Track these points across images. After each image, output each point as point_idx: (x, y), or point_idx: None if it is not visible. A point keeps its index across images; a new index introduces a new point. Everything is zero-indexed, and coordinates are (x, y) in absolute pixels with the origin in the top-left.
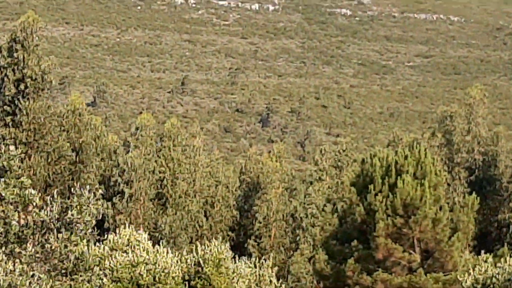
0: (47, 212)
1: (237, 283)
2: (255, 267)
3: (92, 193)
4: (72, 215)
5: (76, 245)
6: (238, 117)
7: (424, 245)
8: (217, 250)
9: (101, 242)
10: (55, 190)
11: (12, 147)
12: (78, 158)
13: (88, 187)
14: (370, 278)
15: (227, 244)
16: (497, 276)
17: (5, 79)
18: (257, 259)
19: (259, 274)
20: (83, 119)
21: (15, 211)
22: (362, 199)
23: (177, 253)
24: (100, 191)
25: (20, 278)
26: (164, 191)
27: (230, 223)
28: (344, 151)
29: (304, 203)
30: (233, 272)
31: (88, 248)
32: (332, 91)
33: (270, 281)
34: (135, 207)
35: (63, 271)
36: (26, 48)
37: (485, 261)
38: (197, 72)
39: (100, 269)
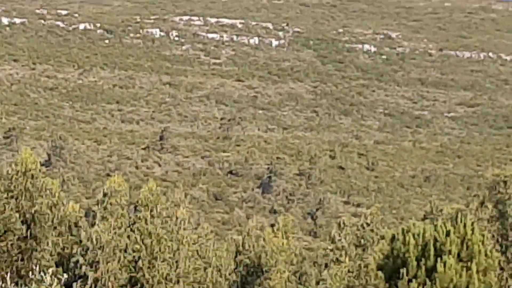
0: None
1: None
2: None
3: (55, 279)
4: None
5: None
6: (232, 181)
7: None
8: None
9: None
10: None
11: None
12: (30, 232)
13: (49, 270)
14: None
15: None
16: None
17: None
18: None
19: None
20: (36, 183)
21: None
22: (392, 286)
23: None
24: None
25: None
26: (139, 275)
27: None
28: (368, 225)
29: None
30: None
31: None
32: (352, 149)
33: None
34: None
35: None
36: None
37: None
38: (180, 124)
39: None
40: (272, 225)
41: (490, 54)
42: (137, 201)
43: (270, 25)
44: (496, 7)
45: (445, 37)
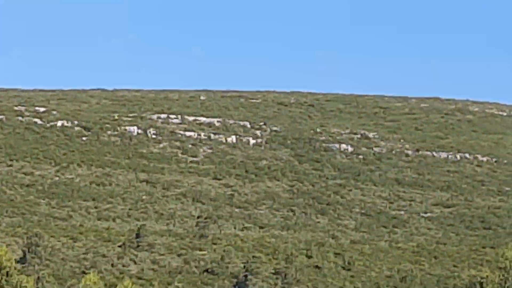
0: None
1: None
2: None
3: None
4: None
5: None
6: (208, 280)
7: None
8: None
9: None
10: None
11: None
12: None
13: None
14: None
15: None
16: None
17: None
18: None
19: None
20: (10, 280)
21: None
22: None
23: None
24: None
25: None
26: None
27: None
28: None
29: None
30: None
31: None
32: (328, 248)
33: None
34: None
35: None
36: None
37: None
38: (156, 221)
39: None
40: None
41: (467, 155)
42: None
43: (247, 124)
44: (473, 109)
45: (422, 137)
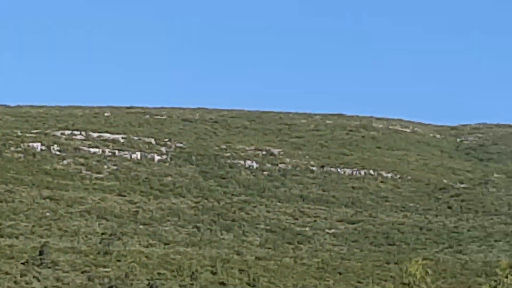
0: None
1: None
2: None
3: None
4: None
5: None
6: None
7: None
8: None
9: None
10: None
11: None
12: None
13: None
14: None
15: None
16: None
17: None
18: None
19: None
20: None
21: None
22: None
23: None
24: None
25: None
26: None
27: None
28: None
29: None
30: None
31: None
32: (233, 264)
33: None
34: None
35: None
36: None
37: None
38: (60, 238)
39: None
40: None
41: (371, 171)
42: None
43: (152, 140)
44: (377, 125)
45: (327, 154)
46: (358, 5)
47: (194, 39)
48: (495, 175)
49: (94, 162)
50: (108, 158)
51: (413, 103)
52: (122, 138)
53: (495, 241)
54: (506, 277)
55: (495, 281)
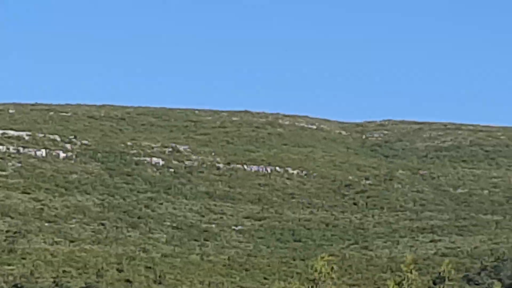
0: None
1: None
2: None
3: None
4: None
5: None
6: None
7: None
8: None
9: None
10: None
11: None
12: None
13: None
14: None
15: None
16: None
17: None
18: None
19: None
20: None
21: None
22: None
23: None
24: None
25: None
26: None
27: None
28: None
29: None
30: None
31: None
32: (139, 262)
33: None
34: None
35: None
36: None
37: None
38: None
39: None
40: None
41: (277, 168)
42: None
43: (57, 137)
44: (283, 122)
45: (233, 150)
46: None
47: (100, 34)
48: (400, 171)
49: None
50: (13, 155)
51: (319, 100)
52: (27, 135)
53: (400, 237)
54: (411, 272)
55: (400, 276)
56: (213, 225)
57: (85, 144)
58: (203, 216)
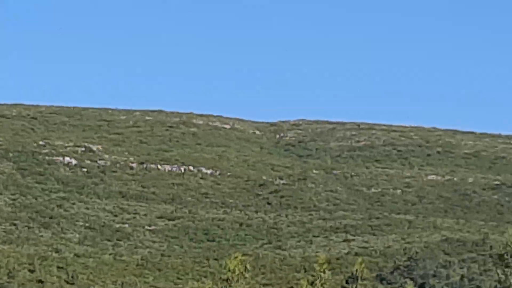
0: None
1: None
2: None
3: None
4: None
5: None
6: None
7: None
8: None
9: None
10: None
11: None
12: None
13: None
14: None
15: None
16: None
17: None
18: None
19: None
20: None
21: None
22: None
23: None
24: None
25: None
26: None
27: None
28: None
29: None
30: None
31: None
32: (52, 262)
33: None
34: None
35: None
36: None
37: None
38: None
39: None
40: None
41: (191, 167)
42: None
43: None
44: (197, 122)
45: (146, 150)
46: None
47: (17, 33)
48: (314, 171)
49: None
50: None
51: (233, 99)
52: None
53: (314, 236)
54: (324, 272)
55: (313, 276)
56: (126, 225)
57: None
58: (116, 216)
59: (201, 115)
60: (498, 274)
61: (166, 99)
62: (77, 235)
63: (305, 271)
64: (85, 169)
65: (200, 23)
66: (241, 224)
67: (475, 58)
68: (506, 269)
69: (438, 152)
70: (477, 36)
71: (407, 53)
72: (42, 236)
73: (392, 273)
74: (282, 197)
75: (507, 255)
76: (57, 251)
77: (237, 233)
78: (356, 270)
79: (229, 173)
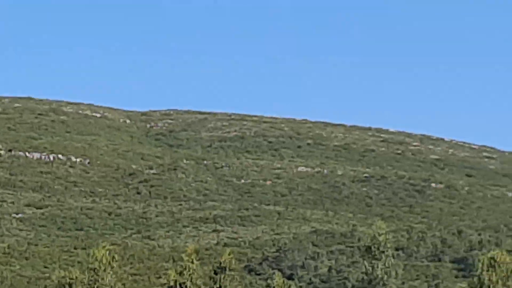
0: None
1: None
2: None
3: None
4: None
5: None
6: None
7: None
8: None
9: None
10: None
11: None
12: None
13: None
14: None
15: None
16: None
17: None
18: None
19: None
20: None
21: None
22: None
23: None
24: None
25: None
26: None
27: None
28: None
29: None
30: None
31: None
32: None
33: None
34: None
35: None
36: None
37: None
38: None
39: None
40: None
41: (60, 156)
42: None
43: None
44: (67, 110)
45: (15, 137)
46: None
47: None
48: (184, 161)
49: None
50: None
51: (104, 88)
52: None
53: (183, 226)
54: (192, 262)
55: (181, 266)
56: None
57: None
58: None
59: (71, 103)
60: (365, 266)
61: (35, 86)
62: None
63: (173, 261)
64: None
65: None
66: (110, 214)
67: (345, 52)
68: (373, 261)
69: (309, 144)
70: (343, 33)
71: (275, 47)
72: None
73: (260, 264)
74: (151, 186)
75: (374, 247)
76: None
77: (106, 222)
78: (224, 261)
79: (98, 162)
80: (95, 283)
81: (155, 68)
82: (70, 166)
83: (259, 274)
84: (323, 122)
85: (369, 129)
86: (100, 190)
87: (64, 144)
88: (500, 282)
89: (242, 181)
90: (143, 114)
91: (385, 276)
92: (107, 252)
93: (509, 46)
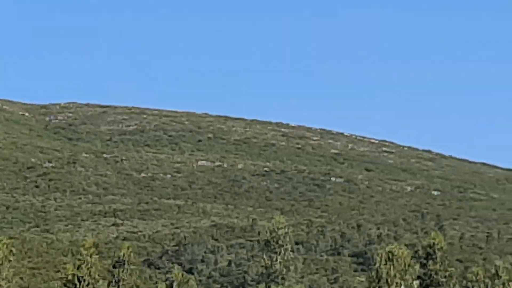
0: None
1: None
2: None
3: None
4: None
5: None
6: None
7: None
8: None
9: None
10: None
11: None
12: None
13: None
14: None
15: None
16: None
17: None
18: None
19: None
20: None
21: None
22: None
23: None
24: None
25: None
26: None
27: None
28: None
29: None
30: None
31: None
32: None
33: None
34: None
35: None
36: None
37: None
38: None
39: None
40: None
41: None
42: None
43: None
44: None
45: None
46: None
47: None
48: (84, 154)
49: None
50: None
51: (2, 80)
52: None
53: (82, 220)
54: (91, 256)
55: (80, 260)
56: None
57: None
58: None
59: None
60: (264, 259)
61: None
62: None
63: (72, 255)
64: None
65: None
66: (8, 207)
67: (254, 50)
68: (272, 255)
69: (209, 138)
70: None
71: (186, 43)
72: None
73: (160, 258)
74: (50, 180)
75: (273, 241)
76: None
77: (4, 216)
78: (124, 255)
79: None
80: None
81: (54, 60)
82: None
83: (158, 268)
84: (223, 116)
85: (270, 123)
86: None
87: None
88: (398, 275)
89: (142, 174)
90: (42, 107)
91: (284, 270)
92: (5, 246)
93: (395, 36)
